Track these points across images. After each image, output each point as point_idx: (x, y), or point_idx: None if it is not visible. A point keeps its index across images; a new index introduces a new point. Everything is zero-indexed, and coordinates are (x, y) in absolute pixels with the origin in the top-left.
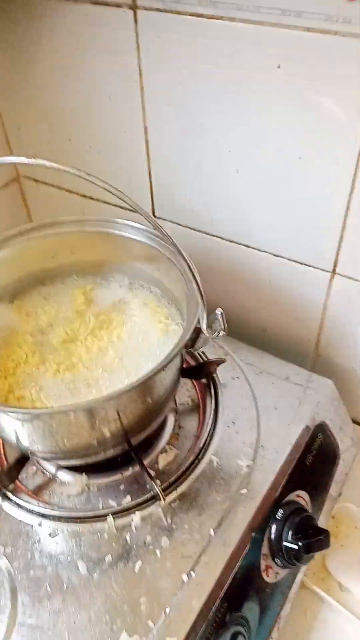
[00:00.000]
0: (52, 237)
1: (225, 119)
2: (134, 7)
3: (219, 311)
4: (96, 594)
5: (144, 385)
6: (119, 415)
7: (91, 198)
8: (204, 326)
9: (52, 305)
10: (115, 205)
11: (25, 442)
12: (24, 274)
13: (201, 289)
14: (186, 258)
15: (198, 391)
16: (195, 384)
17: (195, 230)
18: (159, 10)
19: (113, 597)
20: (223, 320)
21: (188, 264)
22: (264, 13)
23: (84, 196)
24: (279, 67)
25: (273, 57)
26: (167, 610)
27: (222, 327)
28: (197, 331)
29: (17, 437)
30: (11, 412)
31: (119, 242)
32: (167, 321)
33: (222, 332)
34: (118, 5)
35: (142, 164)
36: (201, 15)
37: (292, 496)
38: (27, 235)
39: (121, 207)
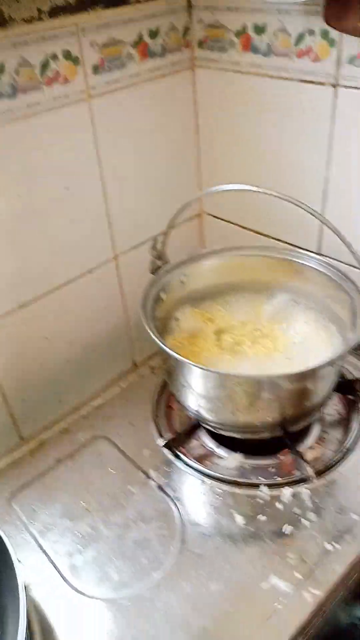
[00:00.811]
0: (239, 257)
1: None
2: (335, 85)
3: None
4: (250, 541)
5: (312, 375)
6: (282, 398)
7: (262, 234)
8: None
9: (228, 313)
10: (280, 241)
11: (201, 409)
12: (211, 284)
13: None
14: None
15: (344, 405)
16: (341, 399)
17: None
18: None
19: (265, 547)
20: None
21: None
22: None
23: (258, 233)
24: None
25: None
26: (313, 567)
27: None
28: None
29: (195, 403)
30: (203, 369)
31: (294, 266)
32: (328, 333)
33: None
34: (322, 84)
35: (316, 204)
36: None
37: None
38: (220, 254)
39: (285, 242)
